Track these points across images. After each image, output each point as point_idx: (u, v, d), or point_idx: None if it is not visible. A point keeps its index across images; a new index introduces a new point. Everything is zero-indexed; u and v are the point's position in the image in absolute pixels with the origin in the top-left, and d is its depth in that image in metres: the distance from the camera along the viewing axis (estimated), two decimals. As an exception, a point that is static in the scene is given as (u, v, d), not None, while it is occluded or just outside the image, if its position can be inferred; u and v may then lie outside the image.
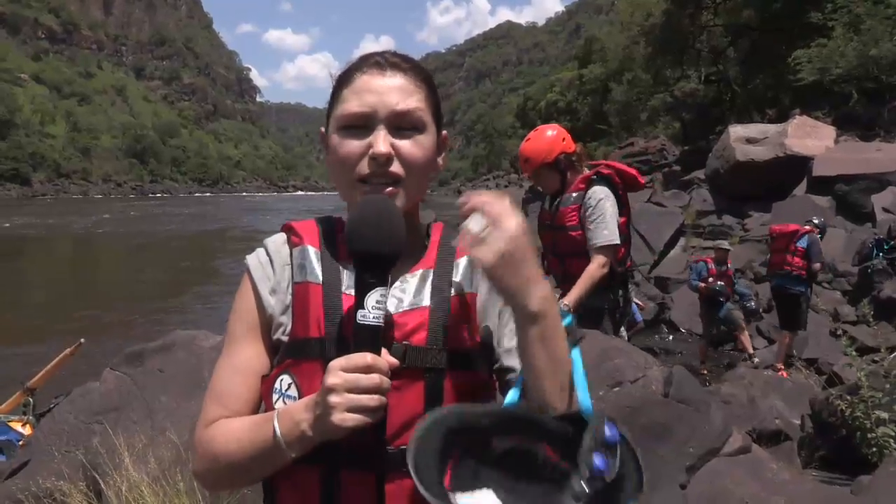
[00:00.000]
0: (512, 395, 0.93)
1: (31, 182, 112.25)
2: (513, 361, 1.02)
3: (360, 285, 0.90)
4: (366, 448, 0.93)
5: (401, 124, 1.00)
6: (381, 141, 0.98)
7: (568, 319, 0.96)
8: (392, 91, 1.00)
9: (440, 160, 1.09)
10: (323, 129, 1.08)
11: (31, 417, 5.73)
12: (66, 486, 3.30)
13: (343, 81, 1.04)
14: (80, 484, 3.42)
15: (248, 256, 1.10)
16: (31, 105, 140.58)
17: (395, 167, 0.99)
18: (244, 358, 1.05)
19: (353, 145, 1.00)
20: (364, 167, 0.99)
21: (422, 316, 0.98)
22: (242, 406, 1.03)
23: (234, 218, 55.05)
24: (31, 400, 5.97)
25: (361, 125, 1.00)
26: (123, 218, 51.78)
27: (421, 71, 1.05)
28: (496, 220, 0.87)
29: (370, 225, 0.90)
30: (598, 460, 0.81)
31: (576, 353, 0.94)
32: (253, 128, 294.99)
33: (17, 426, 5.59)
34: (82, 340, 6.56)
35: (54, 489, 3.31)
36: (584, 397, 0.91)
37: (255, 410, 1.04)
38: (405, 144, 1.00)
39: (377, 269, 0.90)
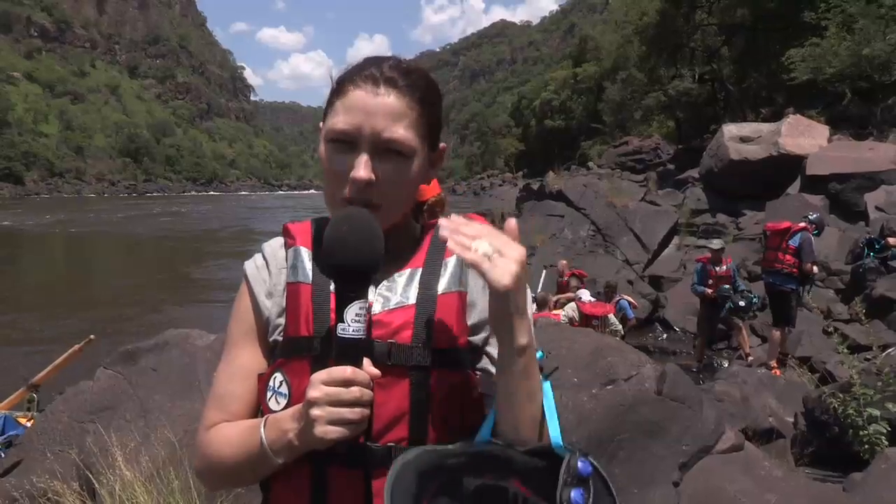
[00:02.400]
0: (483, 432, 0.95)
1: (23, 181, 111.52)
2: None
3: (340, 299, 0.90)
4: (353, 446, 0.94)
5: (384, 148, 0.99)
6: (362, 166, 0.97)
7: (539, 354, 0.98)
8: (380, 113, 0.98)
9: (432, 172, 1.09)
10: (321, 124, 1.07)
11: (35, 413, 5.72)
12: (59, 485, 3.29)
13: (338, 89, 1.02)
14: (73, 483, 3.41)
15: (245, 262, 1.12)
16: (24, 104, 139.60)
17: (374, 193, 0.98)
18: (242, 361, 1.07)
19: (337, 164, 1.00)
20: (346, 189, 0.99)
21: (407, 314, 0.99)
22: (241, 408, 1.06)
23: (228, 217, 54.95)
24: (35, 396, 5.97)
25: (346, 142, 0.99)
26: (117, 217, 51.62)
27: (418, 87, 1.02)
28: (503, 244, 0.87)
29: (346, 239, 0.90)
30: (574, 495, 0.84)
31: (547, 387, 0.97)
32: (247, 126, 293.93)
33: (24, 422, 5.58)
34: (92, 336, 6.55)
35: (48, 488, 3.30)
36: (554, 431, 0.93)
37: (255, 412, 1.06)
38: (387, 171, 0.99)
39: (355, 282, 0.90)
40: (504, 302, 0.87)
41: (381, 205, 0.99)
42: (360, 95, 0.99)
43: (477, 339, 1.03)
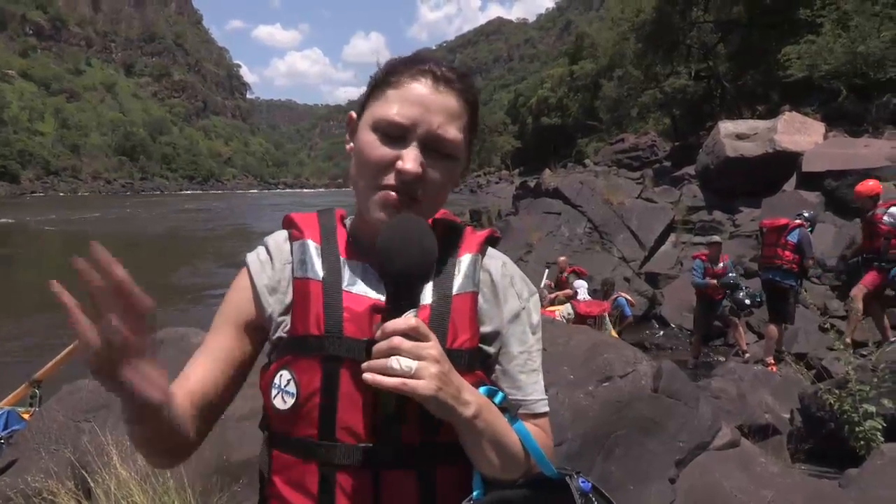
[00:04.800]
0: (476, 490, 0.96)
1: (19, 179, 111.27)
2: (504, 384, 1.04)
3: (394, 307, 0.89)
4: (363, 446, 0.94)
5: (436, 148, 0.98)
6: (413, 159, 0.95)
7: (499, 396, 0.99)
8: (438, 111, 0.97)
9: (461, 178, 1.09)
10: (353, 114, 1.06)
11: (38, 409, 5.72)
12: (54, 484, 3.28)
13: (391, 79, 1.00)
14: (68, 483, 3.40)
15: (248, 254, 1.09)
16: (20, 102, 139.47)
17: (419, 188, 0.97)
18: (216, 344, 1.05)
19: (384, 152, 0.97)
20: (389, 178, 0.97)
21: (422, 315, 0.96)
22: (192, 382, 1.01)
23: (226, 215, 54.86)
24: (37, 392, 5.97)
25: (397, 134, 0.97)
26: (113, 216, 51.52)
27: (470, 92, 1.03)
28: (415, 347, 0.86)
29: (408, 246, 0.88)
30: None
31: (519, 426, 0.98)
32: (243, 125, 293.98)
33: (27, 417, 5.58)
34: None
35: (42, 488, 3.29)
36: (543, 462, 0.97)
37: (208, 389, 1.01)
38: (433, 170, 0.98)
39: (412, 290, 0.90)
40: (443, 402, 0.87)
41: (422, 202, 0.98)
42: (418, 89, 0.98)
43: (489, 349, 1.03)
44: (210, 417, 1.03)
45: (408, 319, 0.87)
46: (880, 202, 7.20)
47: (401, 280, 0.89)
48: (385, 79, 1.01)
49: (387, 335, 0.86)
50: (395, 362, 0.84)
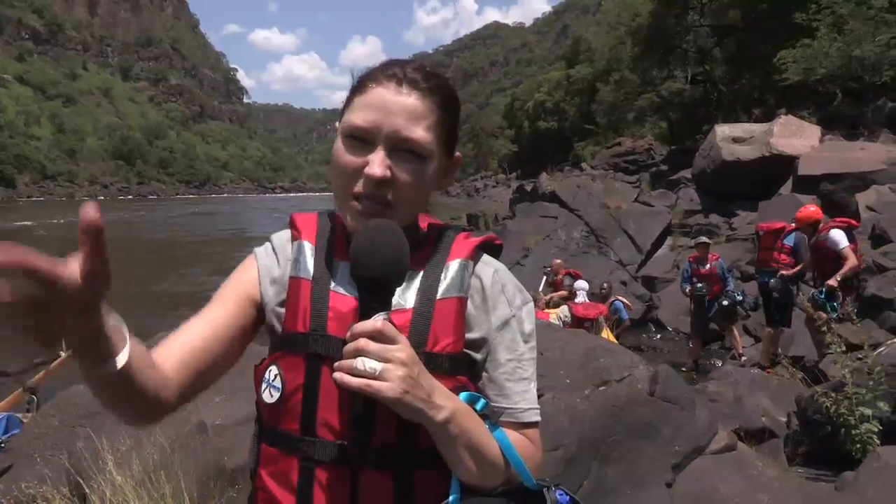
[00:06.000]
0: (453, 496, 0.96)
1: (15, 184, 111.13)
2: (491, 391, 1.04)
3: (364, 310, 0.90)
4: (342, 445, 0.95)
5: (402, 148, 0.98)
6: (378, 163, 0.96)
7: (481, 403, 0.98)
8: (400, 112, 0.97)
9: (446, 180, 1.09)
10: (338, 123, 1.07)
11: (35, 414, 5.72)
12: (48, 491, 3.26)
13: (359, 87, 1.02)
14: (63, 489, 3.38)
15: (257, 248, 1.13)
16: (16, 106, 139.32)
17: (389, 191, 0.98)
18: (212, 313, 1.04)
19: (351, 159, 0.98)
20: (360, 185, 0.98)
21: (403, 318, 0.97)
22: (181, 345, 0.99)
23: (221, 220, 54.82)
24: (34, 397, 5.99)
25: (364, 139, 0.98)
26: (110, 220, 51.25)
27: (440, 91, 1.02)
28: (383, 350, 0.86)
29: (376, 251, 0.89)
30: None
31: (499, 434, 0.98)
32: (240, 129, 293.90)
33: (26, 423, 5.58)
34: None
35: (37, 494, 3.27)
36: (523, 472, 0.98)
37: (198, 353, 0.99)
38: (402, 171, 0.98)
39: (381, 294, 0.90)
40: (409, 405, 0.87)
41: (394, 205, 0.98)
42: (380, 93, 0.98)
43: (476, 355, 1.03)
44: (198, 384, 1.00)
45: (374, 322, 0.87)
46: (820, 226, 7.29)
47: (368, 284, 0.90)
48: (356, 87, 1.02)
49: (354, 337, 0.87)
50: (361, 363, 0.85)
